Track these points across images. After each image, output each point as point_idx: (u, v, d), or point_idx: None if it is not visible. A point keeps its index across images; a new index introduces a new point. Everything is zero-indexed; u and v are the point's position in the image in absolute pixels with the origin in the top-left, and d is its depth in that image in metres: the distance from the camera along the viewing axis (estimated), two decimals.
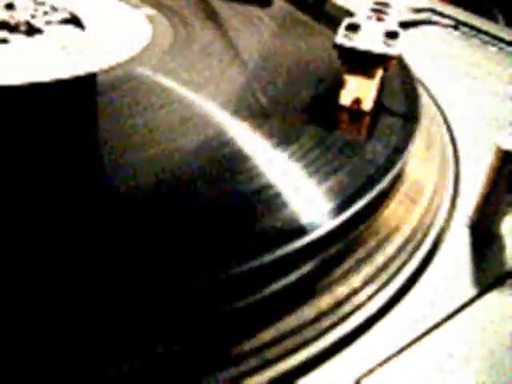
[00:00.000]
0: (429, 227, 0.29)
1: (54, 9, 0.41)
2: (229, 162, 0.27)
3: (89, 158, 0.28)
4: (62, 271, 0.21)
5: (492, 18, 0.60)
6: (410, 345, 0.23)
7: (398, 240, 0.27)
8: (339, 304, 0.24)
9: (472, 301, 0.26)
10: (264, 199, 0.25)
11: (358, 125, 0.32)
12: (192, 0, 0.46)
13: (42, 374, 0.19)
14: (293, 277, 0.23)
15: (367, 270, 0.25)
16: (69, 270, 0.21)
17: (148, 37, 0.39)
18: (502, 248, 0.29)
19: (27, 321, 0.19)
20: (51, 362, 0.19)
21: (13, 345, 0.19)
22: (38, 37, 0.38)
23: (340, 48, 0.31)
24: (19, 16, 0.39)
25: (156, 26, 0.41)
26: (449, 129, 0.38)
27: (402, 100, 0.34)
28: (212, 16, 0.44)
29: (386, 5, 0.36)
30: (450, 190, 0.32)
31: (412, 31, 0.53)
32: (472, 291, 0.26)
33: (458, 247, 0.29)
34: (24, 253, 0.22)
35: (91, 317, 0.20)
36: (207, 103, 0.32)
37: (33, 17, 0.39)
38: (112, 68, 0.35)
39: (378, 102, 0.32)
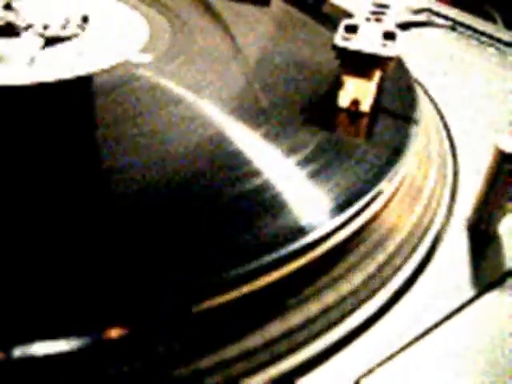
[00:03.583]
0: (427, 227, 0.29)
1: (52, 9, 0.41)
2: (228, 163, 0.27)
3: (87, 159, 0.28)
4: (60, 274, 0.21)
5: (490, 18, 0.60)
6: (409, 345, 0.23)
7: (396, 240, 0.27)
8: (338, 303, 0.24)
9: (471, 301, 0.26)
10: (263, 200, 0.25)
11: (357, 126, 0.32)
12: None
13: (42, 375, 0.19)
14: (292, 276, 0.23)
15: (366, 270, 0.25)
16: (67, 271, 0.21)
17: (146, 37, 0.39)
18: (500, 248, 0.29)
19: (26, 322, 0.19)
20: (50, 363, 0.19)
21: (13, 346, 0.19)
22: (35, 37, 0.38)
23: (338, 49, 0.31)
24: (17, 17, 0.39)
25: (154, 26, 0.41)
26: (447, 129, 0.38)
27: (401, 101, 0.34)
28: (210, 15, 0.44)
29: (384, 6, 0.36)
30: (449, 191, 0.32)
31: (410, 32, 0.53)
32: (471, 291, 0.26)
33: (456, 247, 0.29)
34: (22, 256, 0.22)
35: (89, 319, 0.20)
36: (206, 103, 0.32)
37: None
38: (110, 68, 0.35)
39: (377, 104, 0.32)
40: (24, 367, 0.19)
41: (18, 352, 0.18)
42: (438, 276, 0.27)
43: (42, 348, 0.19)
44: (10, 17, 0.38)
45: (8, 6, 0.40)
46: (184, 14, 0.43)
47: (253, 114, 0.31)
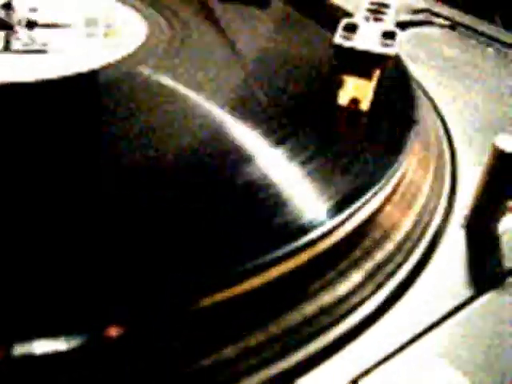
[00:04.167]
0: (426, 227, 0.29)
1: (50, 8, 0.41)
2: (227, 161, 0.27)
3: (87, 157, 0.28)
4: (61, 274, 0.21)
5: (489, 19, 0.60)
6: (407, 345, 0.23)
7: (395, 240, 0.27)
8: (337, 303, 0.24)
9: (469, 301, 0.26)
10: (262, 198, 0.25)
11: (356, 125, 0.32)
12: (189, 0, 0.46)
13: (42, 373, 0.19)
14: (291, 276, 0.23)
15: (365, 270, 0.25)
16: (67, 270, 0.21)
17: (143, 36, 0.39)
18: (498, 248, 0.29)
19: (27, 321, 0.19)
20: (52, 363, 0.19)
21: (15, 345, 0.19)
22: (33, 35, 0.38)
23: (338, 48, 0.31)
24: (17, 15, 0.39)
25: (152, 25, 0.41)
26: (446, 129, 0.38)
27: (400, 100, 0.34)
28: (209, 16, 0.44)
29: (383, 5, 0.36)
30: (447, 190, 0.32)
31: (409, 32, 0.53)
32: (469, 291, 0.26)
33: (455, 247, 0.29)
34: (24, 255, 0.22)
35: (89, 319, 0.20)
36: (205, 102, 0.32)
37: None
38: (108, 66, 0.35)
39: (376, 102, 0.32)
40: (24, 366, 0.19)
41: (19, 351, 0.18)
42: (437, 275, 0.27)
43: (42, 347, 0.18)
44: (1, 15, 0.38)
45: (7, 6, 0.39)
46: (183, 14, 0.43)
47: (252, 112, 0.31)
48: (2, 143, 0.28)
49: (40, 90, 0.32)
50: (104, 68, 0.34)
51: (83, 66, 0.34)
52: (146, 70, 0.35)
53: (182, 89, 0.33)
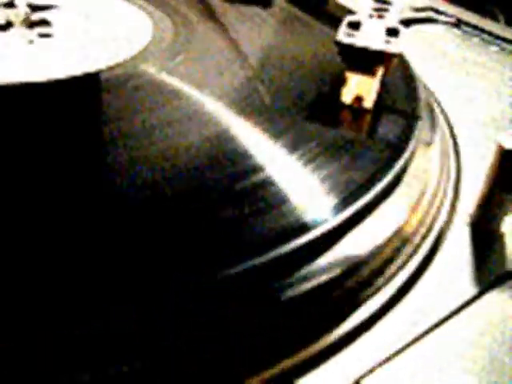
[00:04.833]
0: (430, 226, 0.29)
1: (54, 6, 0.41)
2: (231, 160, 0.27)
3: (90, 157, 0.27)
4: (60, 272, 0.21)
5: (493, 17, 0.60)
6: (409, 345, 0.23)
7: (398, 239, 0.27)
8: (338, 303, 0.24)
9: (472, 300, 0.26)
10: (265, 196, 0.25)
11: (360, 122, 0.32)
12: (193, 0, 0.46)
13: (40, 373, 0.19)
14: (292, 276, 0.23)
15: (367, 270, 0.25)
16: (65, 269, 0.21)
17: (149, 36, 0.39)
18: (502, 247, 0.29)
19: (26, 319, 0.19)
20: (50, 362, 0.19)
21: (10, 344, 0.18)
22: (36, 34, 0.38)
23: (341, 45, 0.31)
24: (18, 14, 0.39)
25: (157, 24, 0.41)
26: (449, 127, 0.38)
27: (404, 98, 0.34)
28: (213, 16, 0.44)
29: (387, 2, 0.36)
30: (452, 189, 0.32)
31: (413, 29, 0.52)
32: (472, 290, 0.26)
33: (458, 246, 0.28)
34: (23, 255, 0.21)
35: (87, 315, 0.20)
36: (209, 101, 0.32)
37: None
38: (114, 66, 0.34)
39: (380, 100, 0.32)
40: (25, 366, 0.18)
41: (20, 350, 0.18)
42: (439, 275, 0.27)
43: (42, 346, 0.18)
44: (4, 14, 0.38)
45: (10, 4, 0.39)
46: (187, 14, 0.43)
47: (256, 110, 0.31)
48: (10, 142, 0.28)
49: (47, 90, 0.32)
50: (108, 68, 0.34)
51: (86, 67, 0.34)
52: (152, 70, 0.34)
53: (187, 88, 0.33)
